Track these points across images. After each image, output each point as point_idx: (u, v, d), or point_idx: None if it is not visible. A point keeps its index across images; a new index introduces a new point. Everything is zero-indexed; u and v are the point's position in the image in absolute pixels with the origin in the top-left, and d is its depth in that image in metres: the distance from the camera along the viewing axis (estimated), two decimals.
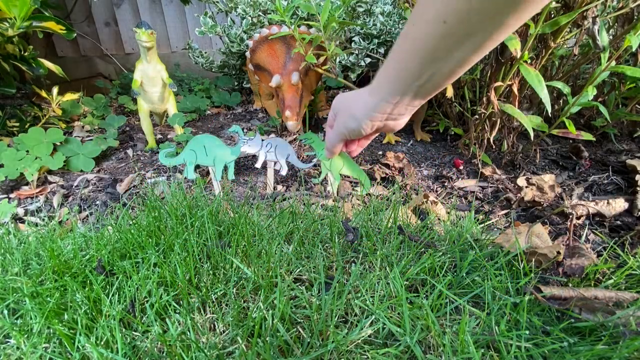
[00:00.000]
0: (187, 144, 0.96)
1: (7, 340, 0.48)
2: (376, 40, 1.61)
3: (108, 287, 0.54)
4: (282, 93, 1.17)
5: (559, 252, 0.58)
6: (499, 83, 0.86)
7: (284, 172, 0.96)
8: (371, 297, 0.50)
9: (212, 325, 0.49)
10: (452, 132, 1.16)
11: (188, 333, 0.46)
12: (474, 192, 0.92)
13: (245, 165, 1.14)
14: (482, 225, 0.75)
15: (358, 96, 0.51)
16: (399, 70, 0.43)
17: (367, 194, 0.90)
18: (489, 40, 0.35)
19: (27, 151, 1.08)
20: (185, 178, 1.01)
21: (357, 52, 1.62)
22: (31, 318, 0.49)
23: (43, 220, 0.88)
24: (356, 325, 0.46)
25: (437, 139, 1.22)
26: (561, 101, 1.08)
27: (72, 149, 1.16)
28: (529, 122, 0.84)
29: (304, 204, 0.79)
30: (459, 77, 0.42)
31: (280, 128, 1.38)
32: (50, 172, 1.12)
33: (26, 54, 1.18)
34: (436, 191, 0.94)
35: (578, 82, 1.10)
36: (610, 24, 0.94)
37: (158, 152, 1.25)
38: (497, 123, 0.90)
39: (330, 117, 0.59)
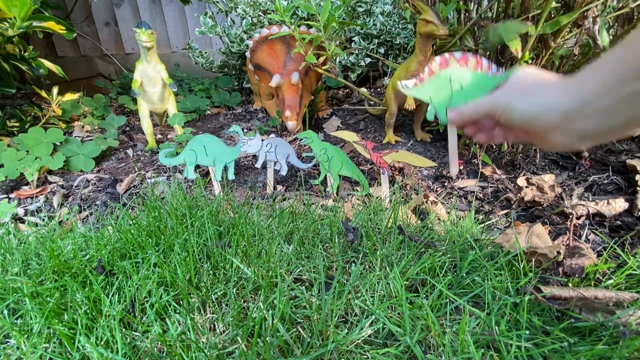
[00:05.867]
0: (187, 144, 0.96)
1: (7, 340, 0.48)
2: (376, 40, 1.61)
3: (108, 287, 0.54)
4: (282, 93, 1.17)
5: (559, 252, 0.58)
6: None
7: (284, 172, 0.96)
8: (371, 297, 0.50)
9: (212, 325, 0.49)
10: None
11: (188, 333, 0.46)
12: (474, 192, 0.92)
13: (245, 165, 1.14)
14: (482, 225, 0.75)
15: (558, 83, 0.36)
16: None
17: (366, 195, 0.90)
18: None
19: (27, 151, 1.08)
20: (185, 178, 1.01)
21: (357, 52, 1.62)
22: (31, 318, 0.49)
23: (43, 220, 0.88)
24: (356, 325, 0.46)
25: (437, 139, 1.21)
26: None
27: (72, 149, 1.16)
28: None
29: (304, 204, 0.79)
30: None
31: (280, 128, 1.38)
32: (50, 172, 1.12)
33: (26, 54, 1.18)
34: (436, 191, 0.94)
35: None
36: (611, 24, 0.94)
37: (158, 152, 1.25)
38: None
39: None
